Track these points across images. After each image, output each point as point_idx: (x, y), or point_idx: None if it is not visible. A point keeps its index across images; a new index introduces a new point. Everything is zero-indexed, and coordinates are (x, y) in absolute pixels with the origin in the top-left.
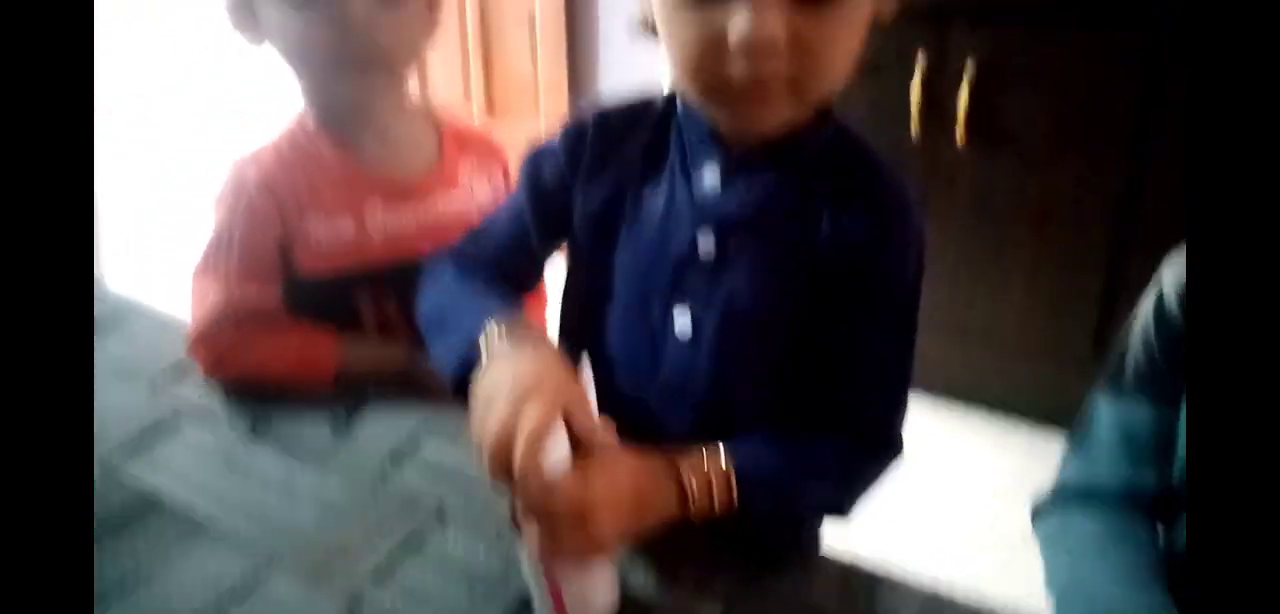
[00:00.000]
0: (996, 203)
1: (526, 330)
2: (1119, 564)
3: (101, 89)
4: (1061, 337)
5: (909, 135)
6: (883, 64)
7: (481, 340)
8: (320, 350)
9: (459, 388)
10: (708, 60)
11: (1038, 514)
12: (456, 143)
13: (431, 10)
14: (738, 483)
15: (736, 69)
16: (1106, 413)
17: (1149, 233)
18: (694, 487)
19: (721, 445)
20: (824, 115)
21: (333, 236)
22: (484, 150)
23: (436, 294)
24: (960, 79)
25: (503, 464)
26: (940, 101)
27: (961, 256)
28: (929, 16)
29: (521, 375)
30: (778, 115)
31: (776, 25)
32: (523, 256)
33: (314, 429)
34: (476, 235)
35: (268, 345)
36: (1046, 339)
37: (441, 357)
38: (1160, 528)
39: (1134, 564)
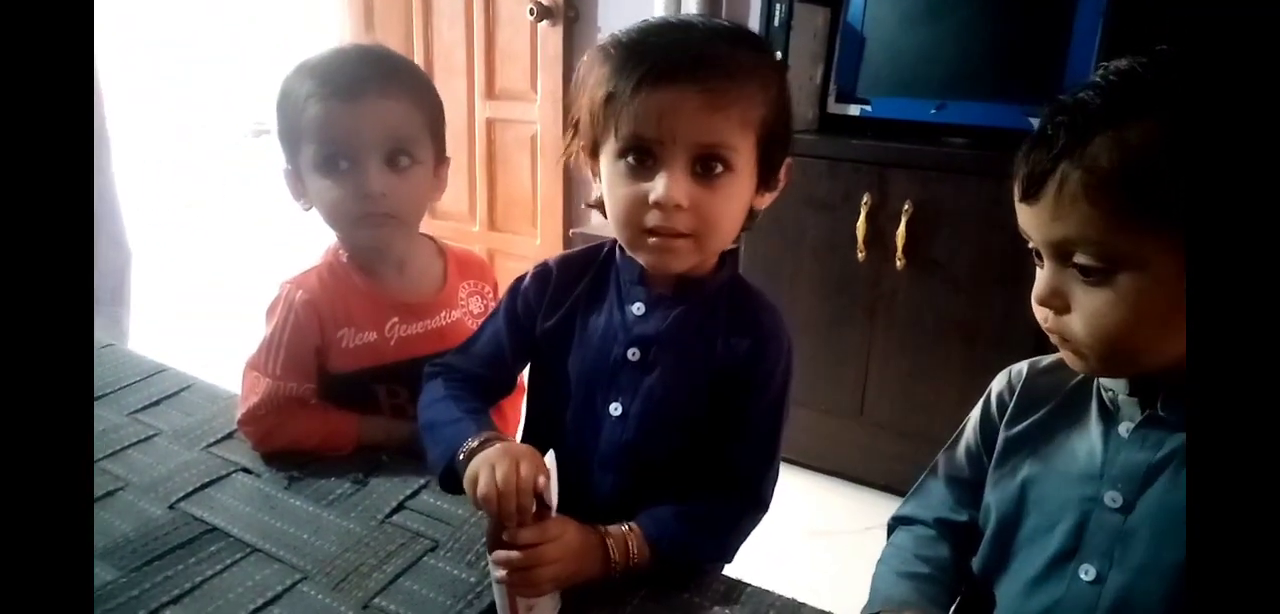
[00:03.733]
0: (931, 321)
1: (497, 436)
2: (907, 563)
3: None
4: None
5: (856, 258)
6: (835, 203)
7: (461, 452)
8: (344, 427)
9: (444, 482)
10: (634, 212)
11: (889, 529)
12: (458, 267)
13: (438, 176)
14: (647, 544)
15: (651, 219)
16: (941, 466)
17: None
18: (615, 550)
19: (635, 521)
20: (721, 265)
21: (359, 345)
22: (478, 272)
23: (429, 408)
24: (898, 217)
25: (508, 503)
26: (882, 233)
27: (902, 365)
28: (873, 165)
29: (510, 449)
30: (683, 261)
31: (680, 190)
32: (499, 368)
33: (338, 483)
34: (464, 349)
35: (303, 424)
36: None
37: (433, 462)
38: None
39: (917, 564)
